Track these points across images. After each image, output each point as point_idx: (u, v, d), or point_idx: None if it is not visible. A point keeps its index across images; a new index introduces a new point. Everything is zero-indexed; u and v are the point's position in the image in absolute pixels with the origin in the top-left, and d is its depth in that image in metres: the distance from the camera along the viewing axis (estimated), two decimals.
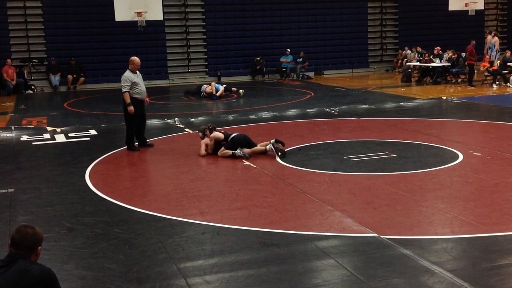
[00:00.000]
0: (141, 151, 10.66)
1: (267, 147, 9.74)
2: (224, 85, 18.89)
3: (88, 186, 8.31)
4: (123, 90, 10.51)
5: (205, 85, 19.05)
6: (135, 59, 10.64)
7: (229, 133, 10.11)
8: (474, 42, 21.55)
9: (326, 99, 17.37)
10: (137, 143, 10.82)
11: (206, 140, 10.02)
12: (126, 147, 10.74)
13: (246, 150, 9.71)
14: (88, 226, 6.56)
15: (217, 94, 18.10)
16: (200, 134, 10.21)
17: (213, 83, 18.82)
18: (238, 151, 9.68)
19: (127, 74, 10.51)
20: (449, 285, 4.78)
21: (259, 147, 9.86)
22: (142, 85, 10.66)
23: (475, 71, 20.27)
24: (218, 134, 9.94)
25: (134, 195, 7.90)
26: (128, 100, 10.46)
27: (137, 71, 10.63)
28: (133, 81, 10.46)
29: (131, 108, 10.45)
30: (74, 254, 5.75)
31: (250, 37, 24.93)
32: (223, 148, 9.83)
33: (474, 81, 19.77)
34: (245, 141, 9.88)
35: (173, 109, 16.76)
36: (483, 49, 23.67)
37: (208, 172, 9.13)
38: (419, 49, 23.88)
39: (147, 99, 11.02)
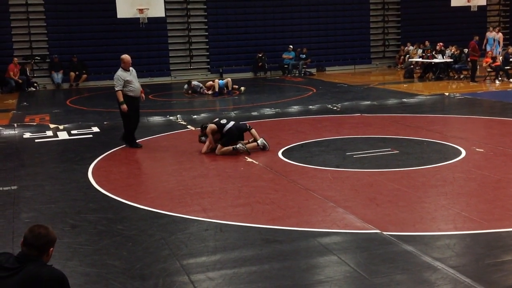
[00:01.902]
0: (143, 148, 10.67)
1: (259, 141, 9.88)
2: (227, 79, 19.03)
3: (91, 183, 8.32)
4: (116, 88, 10.53)
5: (196, 82, 19.05)
6: (126, 57, 10.66)
7: (222, 122, 10.04)
8: (477, 38, 21.50)
9: (328, 96, 17.36)
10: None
11: (210, 137, 10.00)
12: (129, 144, 10.73)
13: (248, 145, 9.76)
14: (91, 223, 6.58)
15: (227, 87, 18.23)
16: (203, 138, 10.17)
17: (216, 80, 18.85)
18: (240, 146, 9.70)
19: (119, 72, 10.54)
20: (452, 281, 4.78)
21: (253, 143, 9.92)
22: (135, 83, 10.61)
23: (478, 67, 20.22)
24: (211, 126, 9.94)
25: (137, 192, 7.91)
26: (121, 99, 10.47)
27: (130, 69, 10.63)
28: (125, 79, 10.44)
29: (124, 106, 10.47)
30: (78, 251, 5.76)
31: (252, 34, 24.90)
32: (220, 146, 9.81)
33: (477, 77, 19.72)
34: (238, 132, 9.92)
35: (175, 106, 16.77)
36: (485, 44, 23.59)
37: (210, 169, 9.13)
38: (426, 43, 23.77)
39: (143, 95, 10.97)
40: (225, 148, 9.77)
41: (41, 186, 8.27)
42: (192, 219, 6.56)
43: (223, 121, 10.12)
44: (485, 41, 23.13)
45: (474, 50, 19.71)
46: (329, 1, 25.77)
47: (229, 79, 19.12)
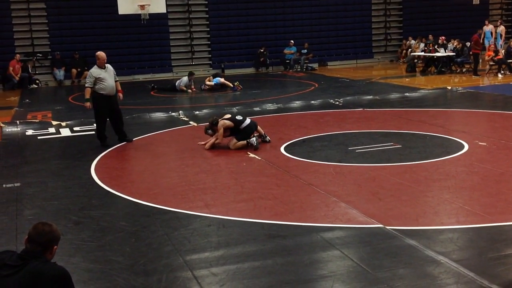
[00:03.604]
0: (145, 144, 10.68)
1: (267, 138, 10.13)
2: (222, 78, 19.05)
3: (94, 179, 8.34)
4: (85, 85, 10.61)
5: (179, 81, 18.96)
6: (100, 54, 10.64)
7: (238, 118, 10.03)
8: (480, 31, 21.40)
9: (330, 90, 17.33)
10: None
11: (222, 132, 9.95)
12: (104, 142, 10.62)
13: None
14: (94, 220, 6.59)
15: (231, 84, 18.33)
16: (209, 131, 10.12)
17: (210, 77, 18.97)
18: (253, 140, 9.72)
19: (92, 69, 10.57)
20: (455, 275, 4.78)
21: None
22: (109, 81, 10.47)
23: (480, 61, 20.17)
24: (227, 123, 9.90)
25: (139, 188, 7.92)
26: (87, 96, 10.50)
27: (106, 66, 10.59)
28: (97, 76, 10.39)
29: (87, 104, 10.53)
30: (81, 247, 5.78)
31: (254, 29, 24.85)
32: (234, 140, 9.82)
33: (479, 71, 19.68)
34: (255, 129, 10.05)
35: (177, 102, 16.76)
36: (483, 38, 23.51)
37: (213, 165, 9.13)
38: (430, 37, 23.67)
39: (120, 95, 10.87)
40: (240, 142, 9.79)
41: (44, 183, 8.29)
42: (195, 215, 6.57)
43: (239, 117, 10.09)
44: (482, 35, 23.03)
45: (476, 44, 19.64)
46: None
47: (210, 77, 19.13)
